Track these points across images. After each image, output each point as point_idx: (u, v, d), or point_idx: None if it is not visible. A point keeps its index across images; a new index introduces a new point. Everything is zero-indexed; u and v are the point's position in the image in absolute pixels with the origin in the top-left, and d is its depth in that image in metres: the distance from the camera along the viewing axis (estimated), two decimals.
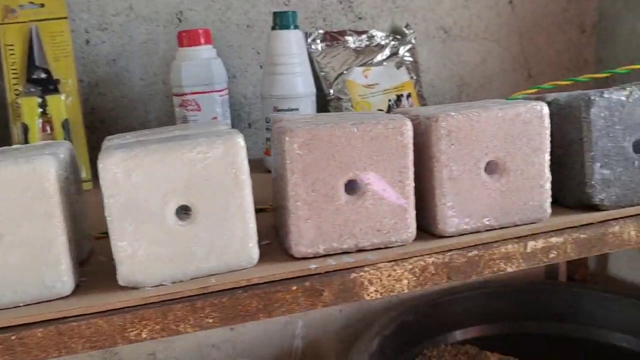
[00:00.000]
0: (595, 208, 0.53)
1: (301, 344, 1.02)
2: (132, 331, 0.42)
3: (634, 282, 1.04)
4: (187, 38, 0.72)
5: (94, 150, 0.72)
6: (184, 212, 0.44)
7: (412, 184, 0.48)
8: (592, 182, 0.52)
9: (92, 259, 0.51)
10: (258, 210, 0.60)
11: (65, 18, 0.76)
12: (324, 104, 0.91)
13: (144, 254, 0.43)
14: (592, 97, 0.51)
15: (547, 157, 0.50)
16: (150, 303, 0.42)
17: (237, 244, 0.45)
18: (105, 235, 0.55)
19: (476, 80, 1.02)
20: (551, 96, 0.56)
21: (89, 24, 0.82)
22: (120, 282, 0.43)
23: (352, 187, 0.47)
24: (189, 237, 0.44)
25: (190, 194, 0.44)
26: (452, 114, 0.48)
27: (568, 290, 1.02)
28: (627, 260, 1.06)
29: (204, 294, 0.43)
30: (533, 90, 0.62)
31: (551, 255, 0.50)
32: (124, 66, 0.85)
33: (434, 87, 1.00)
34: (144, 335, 0.42)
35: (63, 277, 0.43)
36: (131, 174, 0.42)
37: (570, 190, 0.54)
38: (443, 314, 1.03)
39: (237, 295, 0.44)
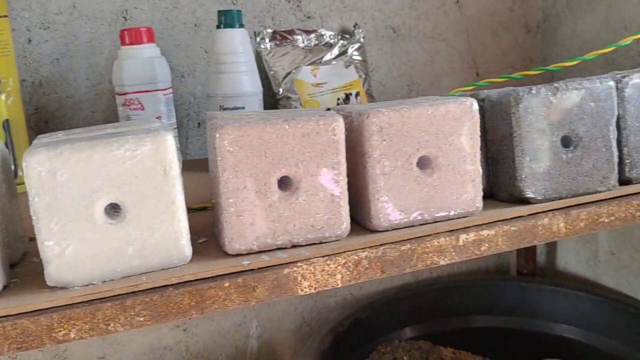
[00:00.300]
0: (526, 201, 0.54)
1: (256, 344, 1.02)
2: (60, 331, 0.41)
3: (580, 275, 1.07)
4: (130, 36, 0.71)
5: None
6: (113, 210, 0.44)
7: (346, 180, 0.49)
8: (522, 176, 0.53)
9: (26, 260, 0.50)
10: (201, 209, 0.61)
11: (5, 16, 0.74)
12: (273, 103, 0.91)
13: (72, 253, 0.43)
14: (521, 94, 0.53)
15: (478, 152, 0.52)
16: (79, 303, 0.42)
17: (169, 241, 0.45)
18: None
19: (425, 79, 1.03)
20: (485, 93, 0.57)
21: (31, 22, 0.81)
22: (49, 283, 0.43)
23: (285, 183, 0.48)
24: (119, 235, 0.44)
25: (119, 192, 0.43)
26: (383, 110, 0.49)
27: (517, 285, 1.05)
28: (574, 254, 1.09)
29: (134, 292, 0.43)
30: (470, 87, 0.63)
31: (483, 248, 0.52)
32: (69, 66, 0.84)
33: (384, 85, 1.01)
34: (72, 335, 0.42)
35: None
36: (56, 172, 0.41)
37: (503, 185, 0.56)
38: (397, 311, 1.04)
39: (168, 293, 0.43)
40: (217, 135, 0.45)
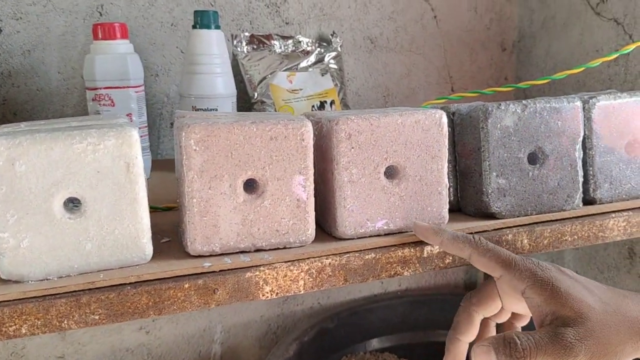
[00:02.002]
0: (492, 216, 0.55)
1: (220, 350, 1.00)
2: (10, 326, 0.40)
3: None
4: (103, 31, 0.70)
5: None
6: (73, 204, 0.43)
7: (312, 186, 0.48)
8: (489, 191, 0.54)
9: None
10: (167, 209, 0.60)
11: None
12: (247, 107, 0.91)
13: (28, 246, 0.42)
14: (490, 109, 0.53)
15: (445, 164, 0.52)
16: (32, 297, 0.41)
17: (129, 239, 0.44)
18: None
19: (401, 91, 1.04)
20: (455, 107, 0.58)
21: (3, 12, 0.79)
22: (2, 276, 0.42)
23: (251, 186, 0.47)
24: (77, 230, 0.43)
25: (79, 187, 0.42)
26: (353, 117, 0.49)
27: None
28: None
29: (90, 289, 0.42)
30: (442, 100, 0.64)
31: (447, 261, 0.52)
32: (40, 58, 0.82)
33: (359, 96, 1.02)
34: (23, 331, 0.40)
35: None
36: (14, 163, 0.40)
37: (470, 199, 0.56)
38: (363, 322, 1.04)
39: (125, 292, 0.43)
40: (184, 134, 0.45)
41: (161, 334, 0.96)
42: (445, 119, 0.51)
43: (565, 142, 0.55)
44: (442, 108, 0.59)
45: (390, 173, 0.51)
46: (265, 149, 0.46)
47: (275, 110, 0.88)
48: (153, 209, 0.59)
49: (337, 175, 0.49)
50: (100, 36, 0.71)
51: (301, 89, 0.91)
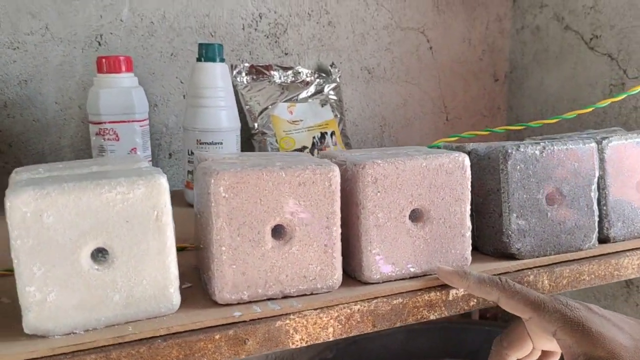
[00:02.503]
0: (512, 257, 0.55)
1: None
2: None
3: None
4: (108, 64, 0.69)
5: None
6: (100, 255, 0.42)
7: (339, 231, 0.48)
8: (509, 232, 0.54)
9: None
10: (179, 249, 0.58)
11: None
12: (247, 137, 0.90)
13: (55, 300, 0.40)
14: (510, 150, 0.54)
15: (468, 206, 0.52)
16: (61, 354, 0.39)
17: (157, 289, 0.43)
18: (9, 273, 0.51)
19: (398, 121, 1.04)
20: (470, 146, 0.58)
21: (0, 41, 0.77)
22: (27, 330, 0.40)
23: (278, 232, 0.46)
24: (105, 282, 0.41)
25: (107, 237, 0.41)
26: (379, 161, 0.48)
27: (480, 329, 1.06)
28: None
29: (120, 343, 0.41)
30: (453, 139, 0.64)
31: (472, 303, 0.51)
32: (37, 88, 0.81)
33: (357, 125, 1.02)
34: None
35: None
36: (42, 214, 0.39)
37: (488, 239, 0.56)
38: (362, 351, 1.03)
39: (156, 345, 0.41)
40: (213, 180, 0.44)
41: None
42: (468, 162, 0.51)
43: (582, 182, 0.56)
44: (457, 147, 0.59)
45: (415, 216, 0.51)
46: (294, 195, 0.46)
47: (277, 142, 0.88)
48: None
49: (363, 220, 0.49)
50: (105, 69, 0.69)
51: (302, 120, 0.90)
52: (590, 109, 0.62)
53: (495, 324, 1.09)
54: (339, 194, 0.47)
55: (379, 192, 0.49)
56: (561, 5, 0.98)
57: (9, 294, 0.47)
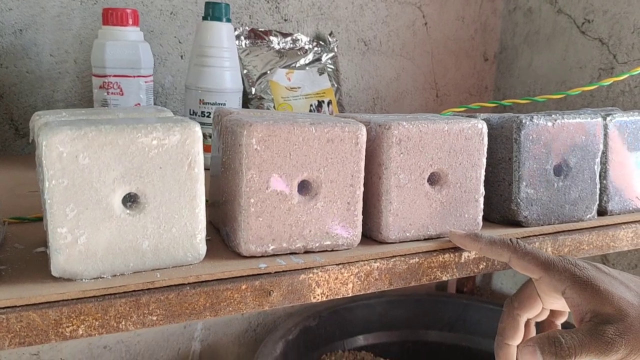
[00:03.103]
0: (518, 224, 0.57)
1: (199, 347, 0.98)
2: (68, 327, 0.38)
3: None
4: (114, 16, 0.67)
5: None
6: (132, 200, 0.41)
7: (362, 189, 0.48)
8: (518, 200, 0.56)
9: (8, 246, 0.46)
10: None
11: None
12: (244, 102, 0.89)
13: (85, 243, 0.40)
14: (524, 121, 0.55)
15: (483, 172, 0.53)
16: (91, 297, 0.39)
17: (185, 238, 0.43)
18: (18, 221, 0.50)
19: (390, 95, 1.05)
20: (483, 116, 0.59)
21: None
22: (54, 273, 0.39)
23: (304, 187, 0.47)
24: (136, 227, 0.41)
25: (140, 182, 0.41)
26: (404, 123, 0.49)
27: (458, 302, 1.09)
28: (511, 277, 1.15)
29: (149, 289, 0.41)
30: (461, 109, 0.65)
31: (481, 266, 0.53)
32: (32, 39, 0.78)
33: (350, 96, 1.02)
34: (80, 332, 0.38)
35: None
36: (79, 155, 0.38)
37: (496, 206, 0.58)
38: (343, 321, 1.05)
39: (184, 292, 0.41)
40: (245, 132, 0.44)
41: (140, 330, 0.93)
42: (486, 129, 0.53)
43: (587, 155, 0.58)
44: (468, 117, 0.60)
45: (433, 179, 0.52)
46: (322, 151, 0.46)
47: (274, 107, 0.88)
48: None
49: (385, 180, 0.50)
50: (110, 21, 0.68)
51: (299, 87, 0.90)
52: (594, 87, 0.64)
53: (471, 298, 1.12)
54: (364, 152, 0.48)
55: (402, 153, 0.49)
56: None
57: (21, 241, 0.47)
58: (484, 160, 0.53)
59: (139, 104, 0.69)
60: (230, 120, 0.46)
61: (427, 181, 0.51)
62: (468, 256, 0.52)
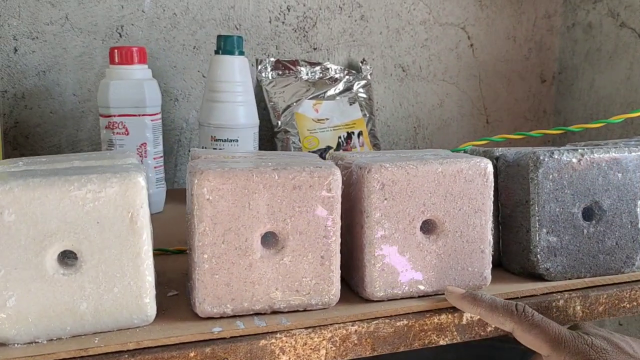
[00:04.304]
0: (539, 277, 0.48)
1: None
2: None
3: None
4: (120, 55, 0.66)
5: None
6: (68, 259, 0.38)
7: (339, 241, 0.43)
8: (538, 249, 0.48)
9: None
10: (179, 252, 0.55)
11: None
12: (270, 135, 0.86)
13: (15, 305, 0.37)
14: (542, 157, 0.47)
15: (490, 219, 0.46)
16: None
17: (130, 299, 0.39)
18: None
19: (433, 123, 0.98)
20: (499, 151, 0.52)
21: (18, 31, 0.76)
22: None
23: (269, 240, 0.42)
24: (72, 288, 0.38)
25: (76, 239, 0.37)
26: (387, 165, 0.43)
27: (516, 348, 0.98)
28: None
29: (82, 357, 0.37)
30: (483, 142, 0.58)
31: (489, 329, 0.45)
32: (55, 79, 0.79)
33: (389, 126, 0.96)
34: None
35: None
36: (3, 211, 0.36)
37: (514, 255, 0.50)
38: None
39: None
40: (196, 180, 0.39)
41: None
42: (491, 169, 0.45)
43: (626, 196, 0.49)
44: (484, 152, 0.53)
45: (428, 228, 0.45)
46: (287, 199, 0.41)
47: (300, 141, 0.83)
48: (162, 252, 0.54)
49: (368, 230, 0.44)
50: (116, 60, 0.67)
51: (327, 119, 0.85)
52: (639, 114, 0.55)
53: None
54: (339, 199, 0.42)
55: (386, 199, 0.43)
56: (617, 1, 0.90)
57: None
58: (490, 205, 0.46)
59: (145, 144, 0.67)
60: (189, 167, 0.42)
61: (420, 230, 0.45)
62: (471, 317, 0.45)
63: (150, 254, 0.39)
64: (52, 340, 0.38)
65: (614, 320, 0.94)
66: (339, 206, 0.42)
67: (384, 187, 0.43)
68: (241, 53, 0.72)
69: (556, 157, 0.47)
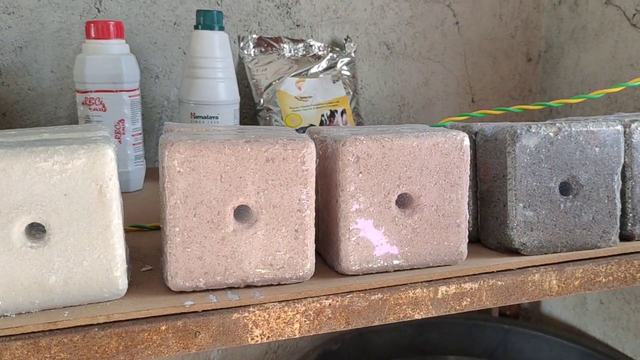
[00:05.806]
0: (516, 252, 0.48)
1: None
2: None
3: (565, 322, 1.01)
4: (96, 30, 0.65)
5: None
6: (36, 231, 0.38)
7: (313, 215, 0.42)
8: (514, 224, 0.47)
9: None
10: (156, 228, 0.54)
11: None
12: (253, 114, 0.85)
13: None
14: (518, 131, 0.47)
15: (466, 193, 0.46)
16: None
17: (100, 272, 0.38)
18: None
19: (418, 101, 0.98)
20: (478, 126, 0.52)
21: None
22: None
23: (242, 213, 0.41)
24: (40, 261, 0.37)
25: (43, 211, 0.37)
26: (362, 138, 0.43)
27: (499, 326, 0.99)
28: (560, 300, 1.03)
29: (51, 330, 0.37)
30: (463, 118, 0.57)
31: (464, 303, 0.45)
32: (33, 56, 0.77)
33: (373, 105, 0.95)
34: None
35: None
36: None
37: (491, 230, 0.50)
38: (369, 345, 0.98)
39: (92, 334, 0.37)
40: (167, 152, 0.39)
41: None
42: (467, 143, 0.45)
43: (603, 170, 0.49)
44: (463, 127, 0.53)
45: (403, 202, 0.45)
46: (260, 172, 0.41)
47: (282, 119, 0.82)
48: (138, 228, 0.54)
49: (342, 204, 0.43)
50: (93, 35, 0.65)
51: (310, 97, 0.85)
52: (621, 88, 0.55)
53: (515, 323, 1.01)
54: (313, 173, 0.42)
55: (361, 172, 0.43)
56: None
57: None
58: (467, 179, 0.46)
59: (122, 120, 0.66)
60: (161, 139, 0.42)
61: (395, 204, 0.44)
62: (446, 291, 0.45)
63: (121, 227, 0.39)
64: (20, 314, 0.37)
65: (595, 297, 0.94)
66: (313, 179, 0.42)
67: (359, 160, 0.43)
68: (221, 28, 0.71)
69: (533, 130, 0.47)
